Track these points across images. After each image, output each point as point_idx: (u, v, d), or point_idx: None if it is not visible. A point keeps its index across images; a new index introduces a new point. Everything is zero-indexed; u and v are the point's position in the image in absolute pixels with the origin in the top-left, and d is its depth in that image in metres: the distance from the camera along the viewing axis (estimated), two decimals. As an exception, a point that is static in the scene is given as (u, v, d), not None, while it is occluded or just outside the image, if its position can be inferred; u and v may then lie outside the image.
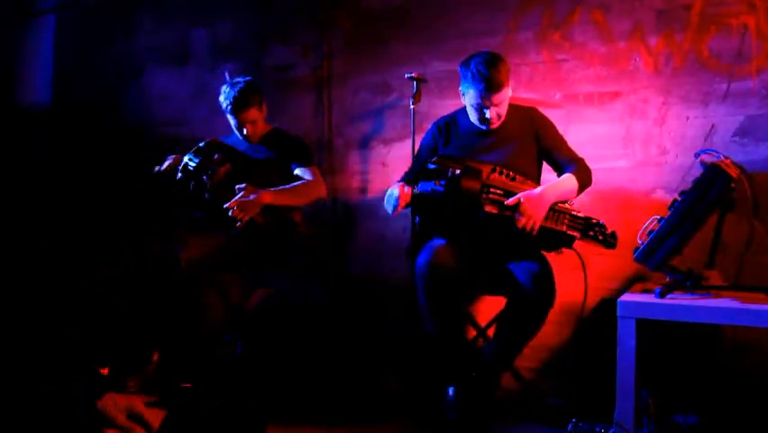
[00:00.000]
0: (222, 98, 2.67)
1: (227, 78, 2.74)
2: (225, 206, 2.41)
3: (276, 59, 3.31)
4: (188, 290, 2.49)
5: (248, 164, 2.63)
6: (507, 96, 2.31)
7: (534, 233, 2.12)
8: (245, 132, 2.69)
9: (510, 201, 2.14)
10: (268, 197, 2.47)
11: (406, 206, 2.29)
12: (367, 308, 3.04)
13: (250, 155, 2.70)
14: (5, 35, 3.87)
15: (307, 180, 2.64)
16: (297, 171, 2.68)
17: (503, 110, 2.33)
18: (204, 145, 2.55)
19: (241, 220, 2.42)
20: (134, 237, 3.32)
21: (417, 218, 2.24)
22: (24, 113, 3.89)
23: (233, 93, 2.62)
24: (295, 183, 2.62)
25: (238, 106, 2.62)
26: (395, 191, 2.30)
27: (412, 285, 2.28)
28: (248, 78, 2.69)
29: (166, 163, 2.59)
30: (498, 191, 2.17)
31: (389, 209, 2.33)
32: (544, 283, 2.13)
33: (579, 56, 2.68)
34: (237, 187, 2.46)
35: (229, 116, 2.69)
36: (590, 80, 2.66)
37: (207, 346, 2.54)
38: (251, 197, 2.43)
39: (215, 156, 2.53)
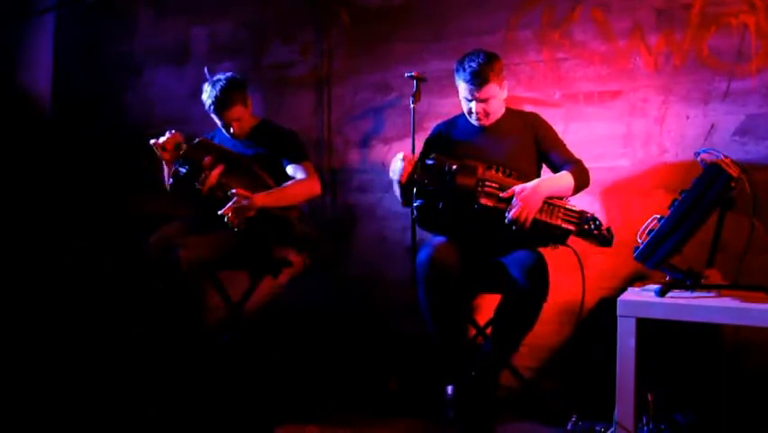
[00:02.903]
0: (204, 97, 2.60)
1: (207, 75, 2.65)
2: (219, 213, 2.38)
3: (275, 57, 3.30)
4: (189, 290, 2.48)
5: (239, 163, 2.56)
6: (495, 93, 2.32)
7: (528, 224, 2.13)
8: (232, 130, 2.63)
9: (506, 193, 2.17)
10: (260, 200, 2.43)
11: (407, 182, 2.27)
12: (366, 307, 3.03)
13: (240, 152, 2.63)
14: (6, 34, 3.86)
15: (300, 179, 2.58)
16: (289, 169, 2.61)
17: (491, 108, 2.35)
18: (192, 149, 2.49)
19: (237, 227, 2.39)
20: (134, 236, 3.32)
21: (416, 202, 2.23)
22: (24, 111, 3.88)
23: (214, 92, 2.55)
24: (287, 183, 2.57)
25: (221, 106, 2.56)
26: (398, 164, 2.29)
27: (412, 284, 2.28)
28: (229, 75, 2.61)
29: (164, 138, 2.48)
30: (494, 184, 2.20)
31: (395, 178, 2.32)
32: (537, 276, 2.13)
33: (579, 55, 2.68)
34: (229, 193, 2.42)
35: (213, 116, 2.63)
36: (590, 79, 2.66)
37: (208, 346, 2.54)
38: (244, 202, 2.39)
39: (205, 159, 2.47)
